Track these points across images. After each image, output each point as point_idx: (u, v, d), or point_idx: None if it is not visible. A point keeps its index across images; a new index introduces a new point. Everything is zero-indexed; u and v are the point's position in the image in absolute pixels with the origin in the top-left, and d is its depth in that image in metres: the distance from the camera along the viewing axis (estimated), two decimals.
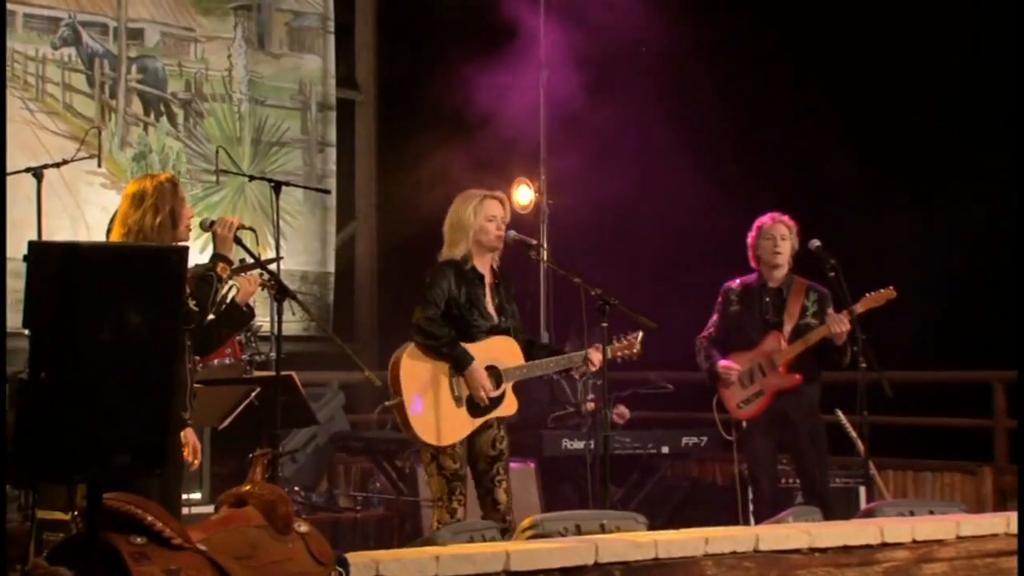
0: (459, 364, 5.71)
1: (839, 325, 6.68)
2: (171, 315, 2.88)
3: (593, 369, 5.80)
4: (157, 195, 4.96)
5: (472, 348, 5.75)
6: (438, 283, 5.76)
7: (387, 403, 5.88)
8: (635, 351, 5.79)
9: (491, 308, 5.80)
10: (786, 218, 6.96)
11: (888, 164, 8.69)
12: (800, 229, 6.96)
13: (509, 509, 5.72)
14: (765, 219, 6.96)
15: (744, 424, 7.01)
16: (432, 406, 5.73)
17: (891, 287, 6.70)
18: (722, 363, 6.94)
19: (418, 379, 5.76)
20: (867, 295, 6.70)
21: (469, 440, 5.77)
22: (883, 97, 8.85)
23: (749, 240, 6.98)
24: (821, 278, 6.87)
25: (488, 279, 5.82)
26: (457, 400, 5.73)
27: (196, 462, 5.14)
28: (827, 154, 9.05)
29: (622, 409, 8.34)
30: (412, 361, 5.78)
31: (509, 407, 5.76)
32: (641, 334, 5.79)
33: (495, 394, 5.74)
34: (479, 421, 5.72)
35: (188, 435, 5.10)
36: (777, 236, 6.91)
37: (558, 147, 9.94)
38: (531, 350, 5.92)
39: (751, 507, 7.14)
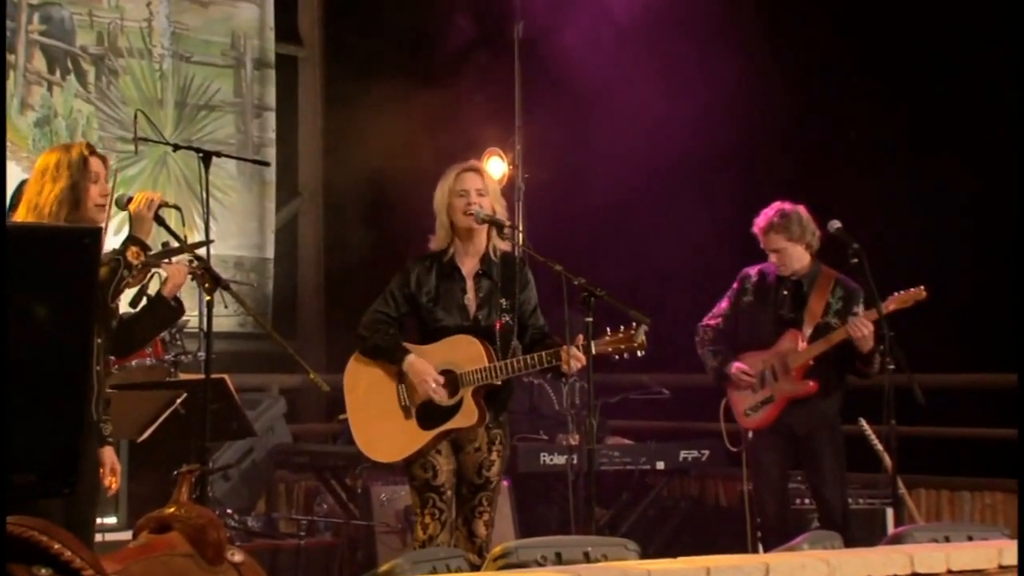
0: (392, 359, 5.78)
1: (860, 329, 6.72)
2: (83, 308, 2.87)
3: (575, 369, 5.74)
4: (58, 166, 4.93)
5: (425, 349, 5.78)
6: (398, 278, 5.85)
7: (340, 416, 5.93)
8: (636, 344, 5.74)
9: (469, 303, 5.81)
10: (771, 212, 6.96)
11: (925, 137, 8.73)
12: (808, 207, 6.99)
13: (487, 546, 5.73)
14: (758, 219, 6.99)
15: (751, 435, 7.05)
16: (376, 417, 5.78)
17: (921, 287, 6.75)
18: (736, 365, 6.98)
19: (360, 387, 5.84)
20: (895, 294, 6.75)
21: (455, 455, 5.80)
22: (927, 66, 8.88)
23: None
24: (844, 266, 6.90)
25: (470, 269, 5.82)
26: (405, 410, 5.77)
27: (115, 486, 5.13)
28: (851, 126, 9.09)
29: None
30: (356, 367, 5.89)
31: (467, 417, 5.76)
32: (645, 325, 5.75)
33: (449, 402, 5.75)
34: (431, 434, 5.74)
35: (107, 454, 5.09)
36: (765, 243, 6.96)
37: (536, 112, 9.94)
38: (537, 348, 5.82)
39: (758, 532, 7.17)
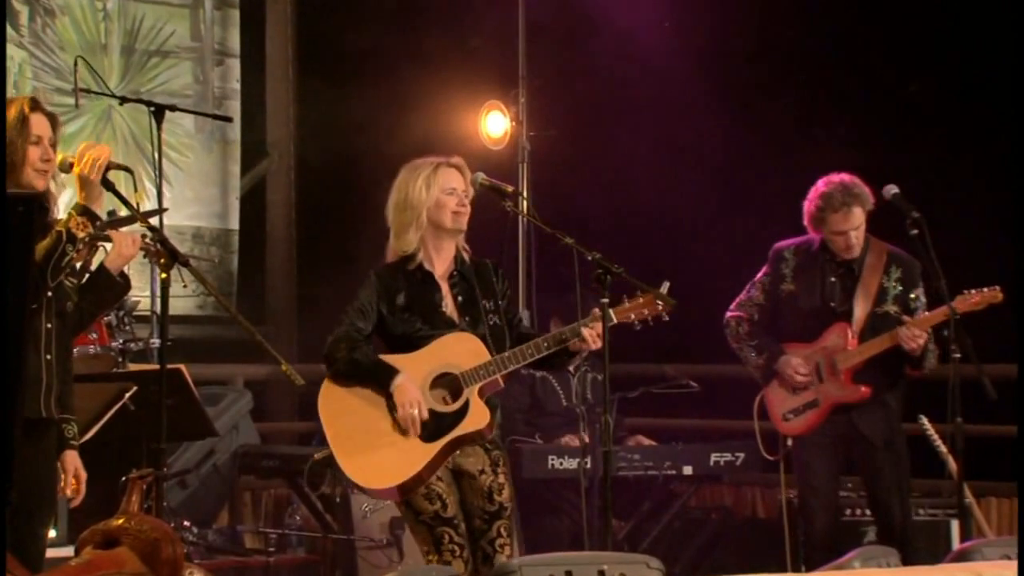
0: (379, 380, 5.71)
1: (910, 341, 6.73)
2: (18, 287, 2.87)
3: (594, 347, 5.72)
4: None
5: (414, 356, 5.74)
6: (358, 300, 5.78)
7: (317, 456, 5.86)
8: (662, 305, 5.75)
9: (450, 309, 5.81)
10: (837, 187, 6.88)
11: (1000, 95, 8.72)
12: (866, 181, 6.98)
13: None
14: (833, 186, 6.92)
15: (789, 441, 7.05)
16: (369, 442, 5.73)
17: (996, 287, 6.73)
18: (788, 361, 6.95)
19: (343, 411, 5.77)
20: (965, 293, 6.72)
21: (455, 482, 5.77)
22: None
23: (806, 207, 6.98)
24: (899, 238, 6.90)
25: (444, 272, 5.83)
26: (402, 427, 5.74)
27: (79, 498, 5.14)
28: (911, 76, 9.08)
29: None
30: (333, 391, 5.80)
31: (477, 419, 5.74)
32: (667, 283, 5.75)
33: (452, 408, 5.74)
34: (438, 445, 5.71)
35: (68, 460, 5.11)
36: (836, 224, 6.89)
37: (543, 60, 9.92)
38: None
39: (801, 549, 7.18)
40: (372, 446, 5.74)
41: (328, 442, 5.79)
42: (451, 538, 5.69)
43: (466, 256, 5.89)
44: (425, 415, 5.67)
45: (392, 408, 5.72)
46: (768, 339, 7.07)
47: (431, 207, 5.77)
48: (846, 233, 6.90)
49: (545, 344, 5.74)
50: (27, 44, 10.05)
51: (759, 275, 7.15)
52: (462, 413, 5.74)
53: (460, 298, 5.83)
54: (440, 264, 5.84)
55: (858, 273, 6.98)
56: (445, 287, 5.83)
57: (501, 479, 5.81)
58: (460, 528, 5.72)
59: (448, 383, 5.74)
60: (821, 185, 6.94)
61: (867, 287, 6.97)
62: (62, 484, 5.09)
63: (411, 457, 5.70)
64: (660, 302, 5.74)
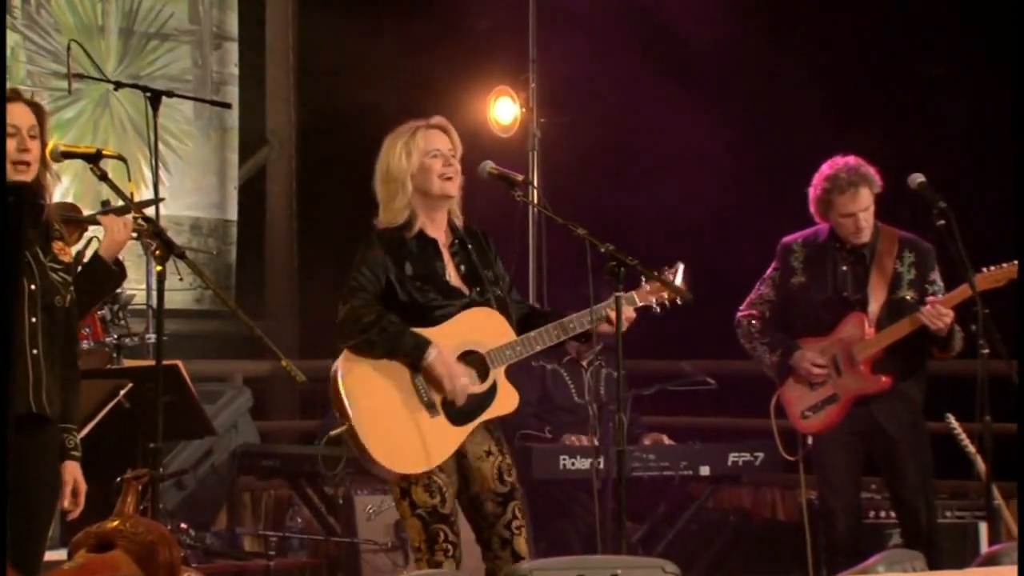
0: (411, 354, 5.64)
1: (937, 320, 6.72)
2: (7, 278, 2.86)
3: (623, 327, 5.72)
4: None
5: (435, 332, 5.68)
6: (365, 263, 5.69)
7: (332, 432, 5.80)
8: (679, 288, 5.76)
9: (455, 279, 5.77)
10: (844, 168, 6.90)
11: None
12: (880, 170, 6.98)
13: None
14: (838, 168, 6.92)
15: (810, 440, 7.04)
16: (396, 423, 5.67)
17: (1014, 261, 6.73)
18: (807, 355, 6.95)
19: (367, 388, 5.69)
20: (984, 270, 6.73)
21: (459, 471, 5.75)
22: None
23: (811, 193, 6.99)
24: (923, 229, 6.89)
25: (444, 240, 5.80)
26: (430, 406, 5.68)
27: (77, 511, 5.11)
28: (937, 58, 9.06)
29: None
30: (353, 365, 5.69)
31: (506, 403, 5.75)
32: (681, 266, 5.79)
33: (481, 388, 5.72)
34: (468, 428, 5.70)
35: (68, 470, 5.09)
36: (843, 207, 6.89)
37: (554, 44, 9.91)
38: (532, 322, 5.86)
39: (823, 552, 7.18)
40: (401, 428, 5.66)
41: (351, 421, 5.65)
42: (446, 536, 5.64)
43: (458, 223, 5.84)
44: (465, 384, 5.65)
45: (420, 383, 5.67)
46: (781, 335, 7.07)
47: (415, 173, 5.72)
48: (855, 215, 6.91)
49: (572, 325, 5.76)
50: (20, 27, 10.05)
51: (768, 271, 7.16)
52: (491, 394, 5.73)
53: (463, 267, 5.79)
54: (437, 233, 5.80)
55: (869, 260, 6.98)
56: (447, 255, 5.79)
57: (508, 459, 5.79)
58: (455, 526, 5.68)
59: (473, 362, 5.72)
60: (826, 168, 6.96)
61: (881, 273, 6.97)
62: (64, 497, 5.08)
63: (443, 439, 5.67)
64: (674, 292, 5.78)
